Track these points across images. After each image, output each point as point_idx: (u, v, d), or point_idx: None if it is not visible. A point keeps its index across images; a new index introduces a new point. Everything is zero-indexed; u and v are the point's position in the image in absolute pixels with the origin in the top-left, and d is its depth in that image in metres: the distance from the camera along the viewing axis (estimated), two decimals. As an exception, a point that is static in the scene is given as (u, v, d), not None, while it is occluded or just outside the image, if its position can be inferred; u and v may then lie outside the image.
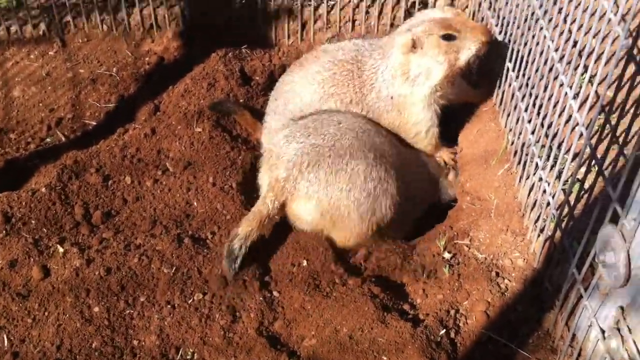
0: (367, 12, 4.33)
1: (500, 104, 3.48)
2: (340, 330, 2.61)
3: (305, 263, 2.90)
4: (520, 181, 3.04)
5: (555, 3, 2.78)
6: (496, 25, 3.62)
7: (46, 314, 2.63)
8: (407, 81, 3.34)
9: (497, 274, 2.76)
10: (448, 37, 3.25)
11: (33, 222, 3.03)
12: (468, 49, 3.27)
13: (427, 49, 3.26)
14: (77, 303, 2.66)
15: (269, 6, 4.32)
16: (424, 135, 3.51)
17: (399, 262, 3.00)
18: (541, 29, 2.90)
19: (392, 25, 4.32)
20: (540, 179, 2.74)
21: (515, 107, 3.18)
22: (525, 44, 3.11)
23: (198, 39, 4.35)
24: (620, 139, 2.09)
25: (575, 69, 2.51)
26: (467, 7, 4.26)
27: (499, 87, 3.51)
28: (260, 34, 4.39)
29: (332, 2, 4.36)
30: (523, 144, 3.02)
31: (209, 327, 2.62)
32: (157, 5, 4.35)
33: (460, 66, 3.32)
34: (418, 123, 3.46)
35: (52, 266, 2.81)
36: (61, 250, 2.87)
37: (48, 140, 3.76)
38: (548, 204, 2.64)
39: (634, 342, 2.03)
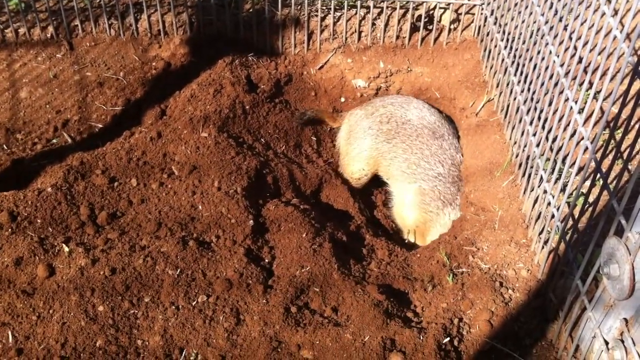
0: (373, 24, 4.38)
1: (505, 116, 3.52)
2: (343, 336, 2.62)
3: (308, 268, 2.92)
4: (524, 193, 3.07)
5: (561, 20, 2.82)
6: (501, 40, 3.67)
7: (51, 311, 2.63)
8: None
9: (501, 284, 2.78)
10: None
11: (39, 221, 3.04)
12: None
13: None
14: (82, 302, 2.67)
15: (276, 15, 4.36)
16: None
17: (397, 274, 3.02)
18: (547, 44, 2.94)
19: (397, 37, 4.37)
20: (545, 192, 2.76)
21: (520, 120, 3.22)
22: (531, 59, 3.15)
23: (205, 46, 4.38)
24: (625, 154, 2.12)
25: (581, 84, 2.54)
26: (472, 22, 4.32)
27: (504, 100, 3.55)
28: (267, 42, 4.44)
29: (339, 14, 4.40)
30: (528, 157, 3.05)
31: (213, 329, 2.63)
32: (165, 12, 4.39)
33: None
34: None
35: (57, 265, 2.82)
36: (66, 249, 2.88)
37: (54, 141, 3.77)
38: (552, 216, 2.67)
39: (638, 354, 2.05)
